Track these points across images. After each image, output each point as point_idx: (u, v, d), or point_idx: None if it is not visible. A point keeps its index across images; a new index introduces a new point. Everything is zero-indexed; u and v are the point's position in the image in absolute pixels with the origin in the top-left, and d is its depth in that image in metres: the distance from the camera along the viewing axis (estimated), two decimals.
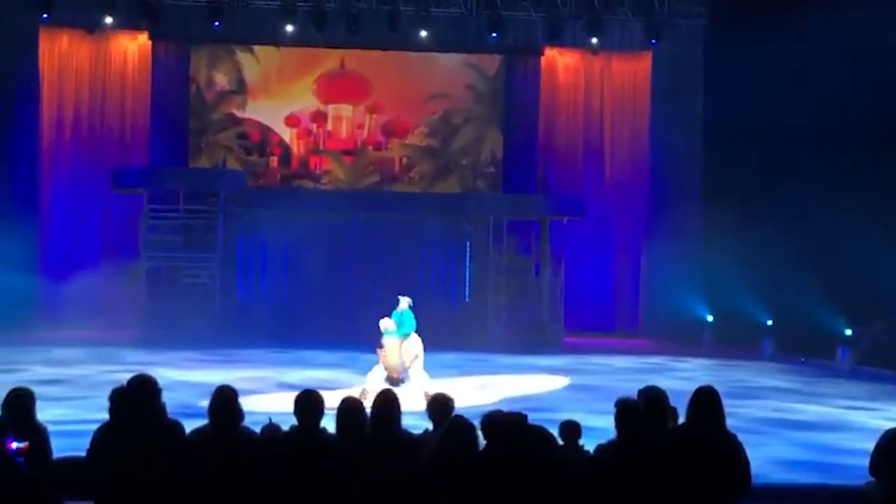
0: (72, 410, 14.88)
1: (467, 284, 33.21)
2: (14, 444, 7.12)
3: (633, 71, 36.14)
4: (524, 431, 7.20)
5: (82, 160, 33.79)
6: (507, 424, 7.21)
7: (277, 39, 33.91)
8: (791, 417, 17.89)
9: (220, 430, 7.30)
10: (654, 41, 34.61)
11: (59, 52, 34.01)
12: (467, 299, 33.03)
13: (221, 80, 34.89)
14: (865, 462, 8.73)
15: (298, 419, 7.29)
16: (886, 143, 27.45)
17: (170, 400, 7.60)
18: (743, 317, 30.50)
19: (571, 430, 8.55)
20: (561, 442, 8.17)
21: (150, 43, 34.13)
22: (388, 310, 30.85)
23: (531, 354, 27.53)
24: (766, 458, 12.81)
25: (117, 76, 34.41)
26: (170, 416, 7.48)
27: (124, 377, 7.54)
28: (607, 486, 7.07)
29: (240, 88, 34.91)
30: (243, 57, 34.86)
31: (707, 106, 33.22)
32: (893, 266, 25.35)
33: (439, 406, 8.00)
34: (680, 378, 21.50)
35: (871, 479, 8.68)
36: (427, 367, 17.07)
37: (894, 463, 8.32)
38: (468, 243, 33.19)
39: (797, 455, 14.15)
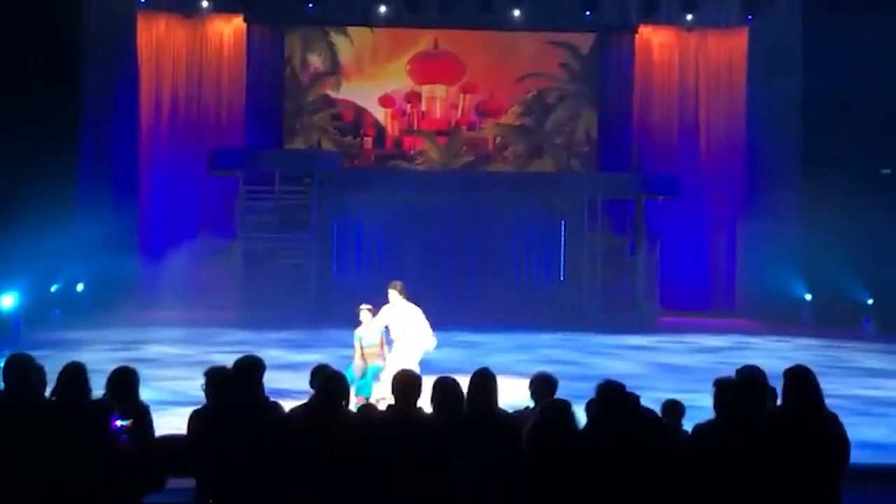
0: (169, 392, 15.10)
1: (562, 264, 33.06)
2: (119, 422, 7.24)
3: (728, 48, 35.69)
4: (632, 409, 7.16)
5: (180, 143, 34.23)
6: (615, 400, 7.16)
7: (370, 20, 34.04)
8: (892, 397, 17.57)
9: (321, 409, 7.34)
10: (750, 17, 34.12)
11: (157, 36, 34.48)
12: (562, 279, 32.88)
13: (315, 61, 35.11)
14: None
15: (395, 398, 7.31)
16: None
17: (267, 381, 7.67)
18: (843, 295, 30.00)
19: (674, 409, 8.46)
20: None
21: (245, 26, 34.47)
22: (485, 290, 30.87)
23: (627, 333, 27.37)
24: (868, 438, 12.60)
25: (213, 59, 34.81)
26: (268, 396, 7.56)
27: (223, 358, 7.62)
28: (708, 467, 7.00)
29: (334, 70, 35.11)
30: (337, 38, 35.04)
31: (806, 82, 32.60)
32: None
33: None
34: (777, 358, 21.19)
35: None
36: (524, 346, 16.95)
37: None
38: (563, 222, 33.03)
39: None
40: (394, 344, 14.43)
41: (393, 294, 14.85)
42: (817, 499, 7.20)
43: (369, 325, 14.36)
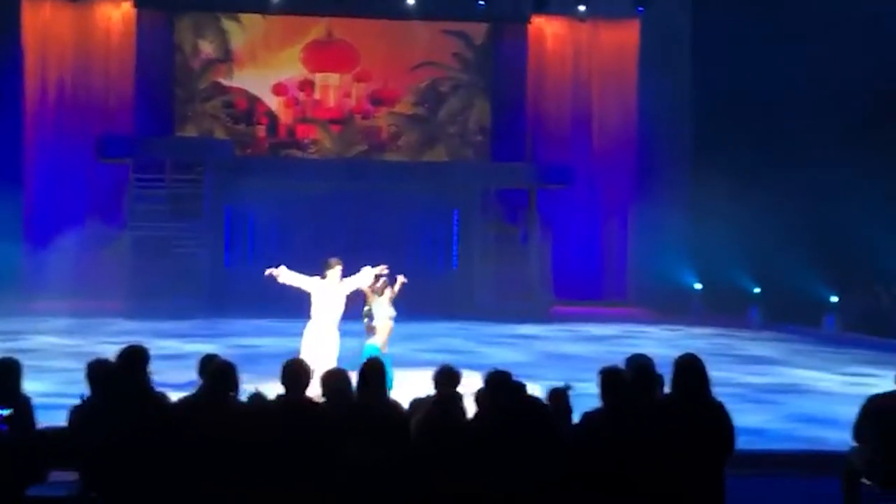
0: (53, 384, 14.80)
1: (455, 253, 33.14)
2: None
3: (620, 39, 36.02)
4: (518, 397, 7.21)
5: (67, 129, 33.54)
6: (501, 389, 7.21)
7: (263, 7, 33.77)
8: (776, 384, 17.90)
9: (208, 399, 7.26)
10: (641, 8, 34.51)
11: (43, 21, 33.70)
12: (455, 268, 32.96)
13: (207, 48, 34.68)
14: (849, 428, 8.79)
15: (285, 387, 7.25)
16: (879, 108, 27.44)
17: (156, 371, 7.55)
18: (731, 285, 30.55)
19: (560, 396, 8.51)
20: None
21: (134, 10, 33.89)
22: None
23: (519, 322, 27.53)
24: (750, 425, 12.81)
25: (101, 45, 34.15)
26: (155, 387, 7.44)
27: (110, 349, 7.49)
28: (595, 454, 7.05)
29: (226, 56, 34.71)
30: (228, 24, 34.65)
31: (696, 72, 33.13)
32: (881, 233, 25.40)
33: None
34: (667, 346, 21.48)
35: (855, 444, 8.74)
36: (415, 336, 16.92)
37: (876, 428, 8.38)
38: (456, 212, 33.10)
39: (781, 421, 14.16)
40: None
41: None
42: (702, 484, 7.30)
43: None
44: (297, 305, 28.13)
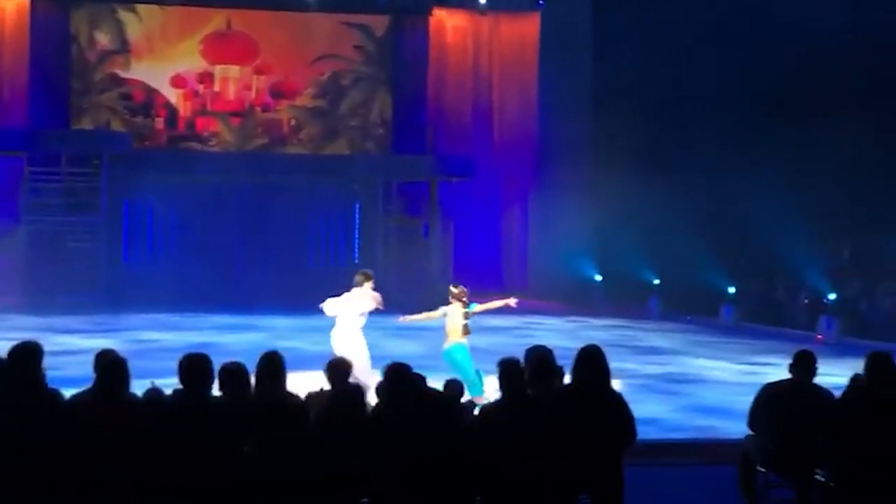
0: None
1: (357, 246, 33.08)
2: None
3: (521, 32, 36.19)
4: (417, 389, 7.23)
5: None
6: (401, 382, 7.23)
7: None
8: (674, 374, 18.13)
9: (103, 395, 7.16)
10: (541, 1, 34.71)
11: None
12: (357, 261, 32.87)
13: (103, 39, 34.14)
14: (744, 417, 8.94)
15: (183, 383, 7.18)
16: (776, 102, 27.92)
17: (52, 367, 7.42)
18: (631, 276, 30.86)
19: (454, 388, 8.55)
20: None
21: (28, 1, 33.21)
22: (280, 273, 30.72)
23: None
24: (649, 415, 12.97)
25: None
26: (51, 384, 7.31)
27: (4, 345, 7.34)
28: (495, 445, 7.08)
29: (122, 48, 34.20)
30: (125, 15, 34.14)
31: (596, 65, 33.46)
32: (778, 224, 25.84)
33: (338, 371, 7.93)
34: (568, 338, 21.64)
35: (750, 432, 8.89)
36: (317, 329, 16.85)
37: (770, 416, 8.54)
38: (358, 205, 33.08)
39: (678, 411, 14.35)
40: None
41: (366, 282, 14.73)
42: (602, 474, 7.37)
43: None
44: (195, 300, 27.93)
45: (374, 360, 12.54)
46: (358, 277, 14.50)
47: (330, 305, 14.21)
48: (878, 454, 7.47)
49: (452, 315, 14.19)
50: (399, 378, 7.25)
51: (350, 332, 14.15)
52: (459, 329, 14.01)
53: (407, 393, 7.18)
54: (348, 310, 14.21)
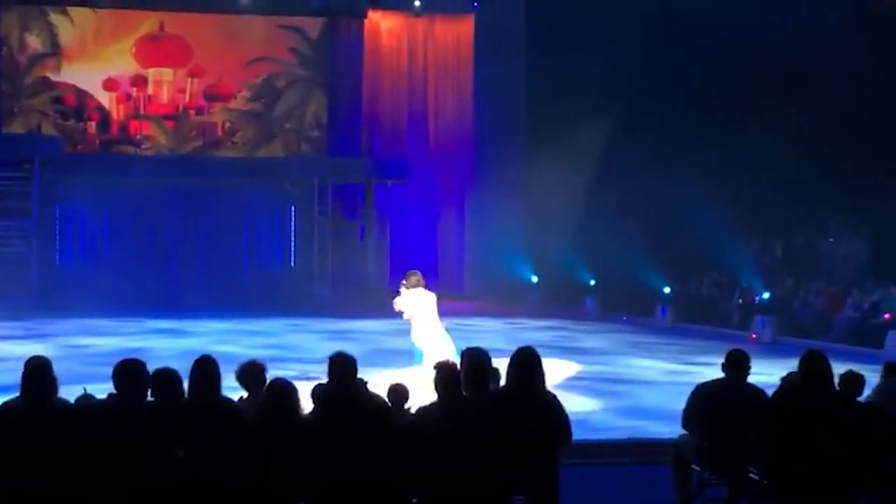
0: None
1: (293, 249, 32.99)
2: None
3: (456, 34, 36.26)
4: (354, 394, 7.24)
5: None
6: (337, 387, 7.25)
7: (92, 1, 32.96)
8: (609, 374, 18.24)
9: (32, 402, 7.07)
10: (475, 3, 34.82)
11: None
12: (293, 264, 32.83)
13: (34, 42, 33.73)
14: (677, 416, 9.01)
15: (117, 388, 7.12)
16: (713, 102, 28.18)
17: None
18: (567, 277, 31.01)
19: (399, 392, 8.53)
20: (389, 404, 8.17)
21: None
22: (214, 276, 30.62)
23: (356, 318, 27.44)
24: (584, 415, 13.04)
25: None
26: None
27: None
28: (431, 448, 7.09)
29: (54, 51, 33.81)
30: (56, 18, 33.74)
31: (530, 65, 33.62)
32: (712, 224, 26.07)
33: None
34: (503, 339, 21.69)
35: (684, 432, 8.97)
36: (253, 333, 16.81)
37: (703, 416, 8.62)
38: (293, 208, 32.98)
39: (614, 411, 14.45)
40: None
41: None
42: (537, 475, 7.40)
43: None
44: (129, 305, 27.66)
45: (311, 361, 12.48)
46: (414, 279, 15.93)
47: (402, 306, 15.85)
48: (809, 452, 7.55)
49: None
50: (340, 381, 7.29)
51: (430, 328, 15.64)
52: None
53: (344, 397, 7.20)
54: (421, 309, 15.62)
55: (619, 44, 28.45)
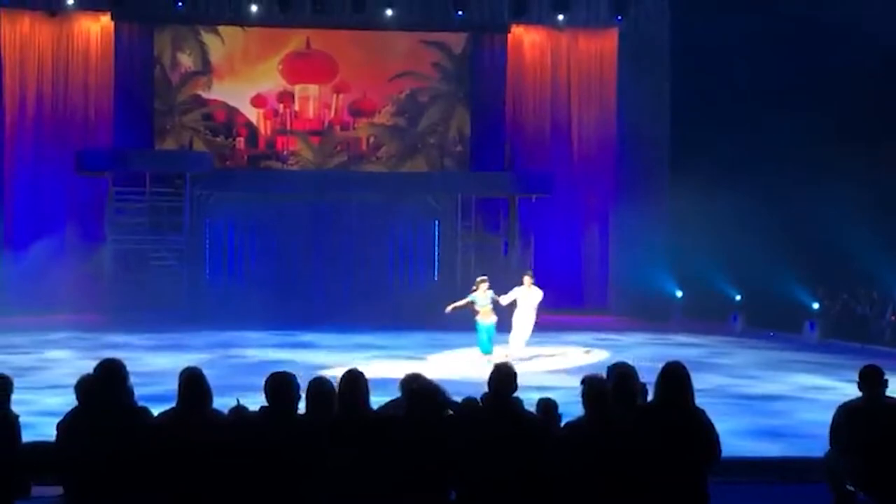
0: (36, 396, 14.72)
1: (437, 264, 33.14)
2: None
3: (599, 47, 36.07)
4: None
5: (46, 143, 33.31)
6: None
7: (242, 19, 33.70)
8: (757, 391, 17.93)
9: (188, 412, 7.24)
10: (619, 17, 34.62)
11: (21, 35, 33.52)
12: (436, 278, 32.95)
13: (186, 60, 34.62)
14: (825, 434, 8.82)
15: (268, 400, 7.24)
16: (866, 114, 27.49)
17: (138, 384, 7.52)
18: (712, 292, 30.56)
19: (548, 408, 8.53)
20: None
21: (112, 24, 33.77)
22: (359, 290, 30.88)
23: (500, 332, 27.37)
24: (732, 432, 12.84)
25: (80, 58, 33.96)
26: (137, 400, 7.42)
27: (92, 363, 7.45)
28: (580, 463, 7.08)
29: (205, 69, 34.65)
30: (207, 37, 34.58)
31: (675, 79, 33.25)
32: (864, 237, 25.47)
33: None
34: (648, 355, 21.48)
35: (832, 450, 8.78)
36: (395, 347, 16.95)
37: (850, 434, 8.43)
38: (437, 222, 33.14)
39: (763, 429, 14.19)
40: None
41: (526, 279, 21.23)
42: (686, 492, 7.31)
43: (482, 293, 20.23)
44: (276, 318, 28.06)
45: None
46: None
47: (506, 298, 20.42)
48: None
49: (480, 300, 20.16)
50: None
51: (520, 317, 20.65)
52: (489, 309, 20.15)
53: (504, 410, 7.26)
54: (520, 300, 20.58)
55: (765, 54, 27.99)
